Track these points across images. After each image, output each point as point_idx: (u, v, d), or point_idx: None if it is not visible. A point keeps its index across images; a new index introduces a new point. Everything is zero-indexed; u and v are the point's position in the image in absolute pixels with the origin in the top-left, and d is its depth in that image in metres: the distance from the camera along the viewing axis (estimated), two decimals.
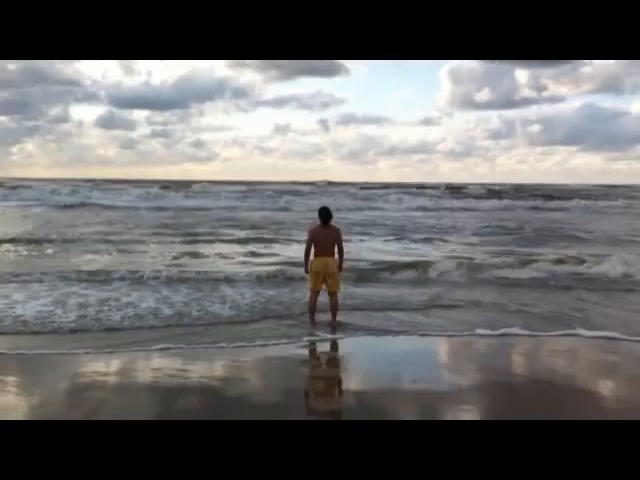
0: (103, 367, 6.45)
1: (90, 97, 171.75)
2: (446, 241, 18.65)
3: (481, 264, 12.67)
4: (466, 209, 37.63)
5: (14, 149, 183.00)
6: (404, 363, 6.75)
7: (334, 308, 8.33)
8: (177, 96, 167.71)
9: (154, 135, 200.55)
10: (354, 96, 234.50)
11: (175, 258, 13.89)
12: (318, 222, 8.31)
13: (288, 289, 10.33)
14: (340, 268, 8.38)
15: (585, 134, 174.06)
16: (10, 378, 6.15)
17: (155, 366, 6.47)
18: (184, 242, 17.08)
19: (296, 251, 13.74)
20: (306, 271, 8.35)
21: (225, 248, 16.05)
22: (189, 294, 9.82)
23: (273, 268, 11.97)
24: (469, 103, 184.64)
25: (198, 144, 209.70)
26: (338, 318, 8.28)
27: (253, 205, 37.54)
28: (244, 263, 13.39)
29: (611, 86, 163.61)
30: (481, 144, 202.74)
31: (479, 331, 7.82)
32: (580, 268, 12.39)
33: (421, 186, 70.52)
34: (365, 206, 38.50)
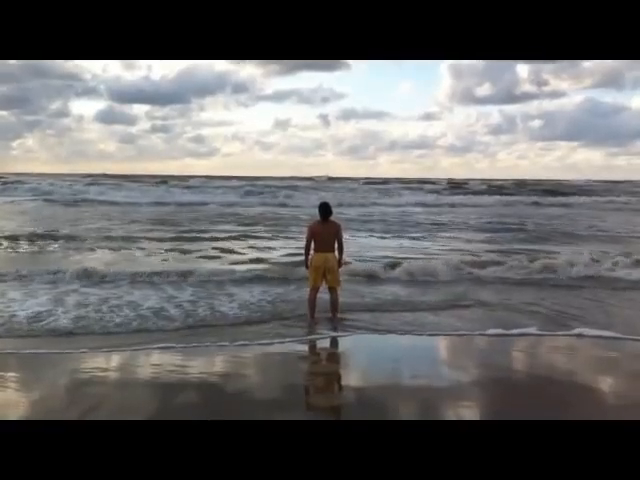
0: (103, 364, 6.48)
1: (90, 92, 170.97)
2: (449, 238, 18.67)
3: (486, 262, 12.58)
4: (469, 205, 37.68)
5: (14, 144, 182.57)
6: (407, 361, 6.77)
7: (334, 304, 8.33)
8: (177, 91, 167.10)
9: (154, 130, 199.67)
10: (354, 91, 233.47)
11: (171, 255, 13.82)
12: (318, 218, 8.33)
13: (288, 287, 10.16)
14: (340, 264, 8.40)
15: (586, 129, 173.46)
16: (9, 376, 6.17)
17: (155, 363, 6.49)
18: (182, 239, 16.97)
19: (295, 247, 13.73)
20: (306, 267, 8.37)
21: (223, 244, 15.99)
22: (194, 293, 9.63)
23: (274, 265, 11.93)
24: (470, 98, 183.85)
25: (198, 139, 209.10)
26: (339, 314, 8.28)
27: (252, 201, 37.42)
28: (243, 262, 13.28)
29: (612, 81, 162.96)
30: (482, 139, 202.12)
31: (491, 331, 7.68)
32: (588, 267, 12.10)
33: (423, 181, 70.48)
34: (367, 202, 38.38)
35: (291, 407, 5.25)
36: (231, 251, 14.86)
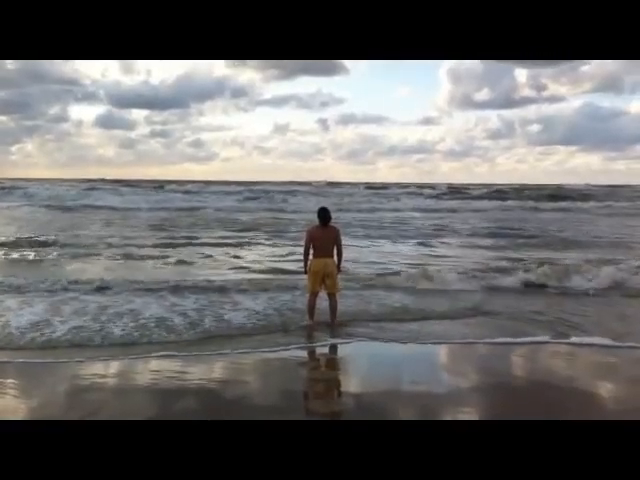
0: (102, 370, 6.44)
1: (89, 97, 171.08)
2: (449, 244, 18.64)
3: (490, 269, 12.46)
4: (470, 210, 37.67)
5: (13, 149, 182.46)
6: (408, 369, 6.72)
7: (333, 310, 8.30)
8: (176, 96, 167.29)
9: (153, 135, 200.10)
10: (353, 96, 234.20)
11: (172, 263, 13.75)
12: (316, 223, 8.30)
13: (287, 295, 9.94)
14: (339, 269, 8.37)
15: (584, 134, 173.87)
16: (9, 382, 6.14)
17: (154, 369, 6.46)
18: (181, 245, 16.92)
19: (292, 254, 13.65)
20: (305, 272, 8.35)
21: (221, 251, 15.93)
22: (196, 301, 9.37)
23: (273, 273, 11.86)
24: (468, 103, 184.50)
25: (197, 144, 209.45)
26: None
27: (251, 206, 37.43)
28: (243, 267, 13.25)
29: (611, 85, 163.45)
30: (480, 144, 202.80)
31: (500, 339, 7.59)
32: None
33: (422, 186, 70.56)
34: (368, 207, 38.36)
35: (290, 412, 5.21)
36: (235, 256, 14.87)
